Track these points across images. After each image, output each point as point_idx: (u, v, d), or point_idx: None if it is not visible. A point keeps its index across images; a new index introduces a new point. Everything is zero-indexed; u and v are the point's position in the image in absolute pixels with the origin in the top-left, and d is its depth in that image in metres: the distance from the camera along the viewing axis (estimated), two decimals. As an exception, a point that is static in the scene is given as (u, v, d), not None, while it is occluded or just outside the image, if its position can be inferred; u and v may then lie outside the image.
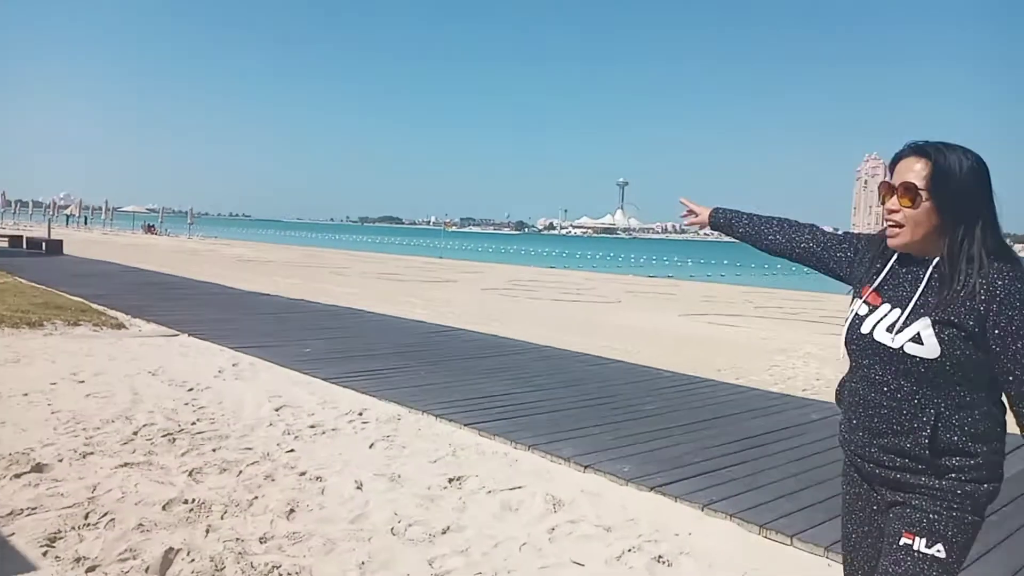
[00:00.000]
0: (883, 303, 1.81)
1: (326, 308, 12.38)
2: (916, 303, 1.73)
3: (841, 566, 2.08)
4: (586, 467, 4.53)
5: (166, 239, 53.95)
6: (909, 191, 1.71)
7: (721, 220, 2.30)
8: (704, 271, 45.59)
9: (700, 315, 17.00)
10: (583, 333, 12.04)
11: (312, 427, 5.27)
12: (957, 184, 1.68)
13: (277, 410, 5.65)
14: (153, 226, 68.02)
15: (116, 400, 5.62)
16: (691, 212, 2.40)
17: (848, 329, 1.87)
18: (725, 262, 62.10)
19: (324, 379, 6.63)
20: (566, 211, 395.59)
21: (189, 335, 8.74)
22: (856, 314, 1.85)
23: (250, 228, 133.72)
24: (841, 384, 2.01)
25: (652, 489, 4.19)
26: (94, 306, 10.70)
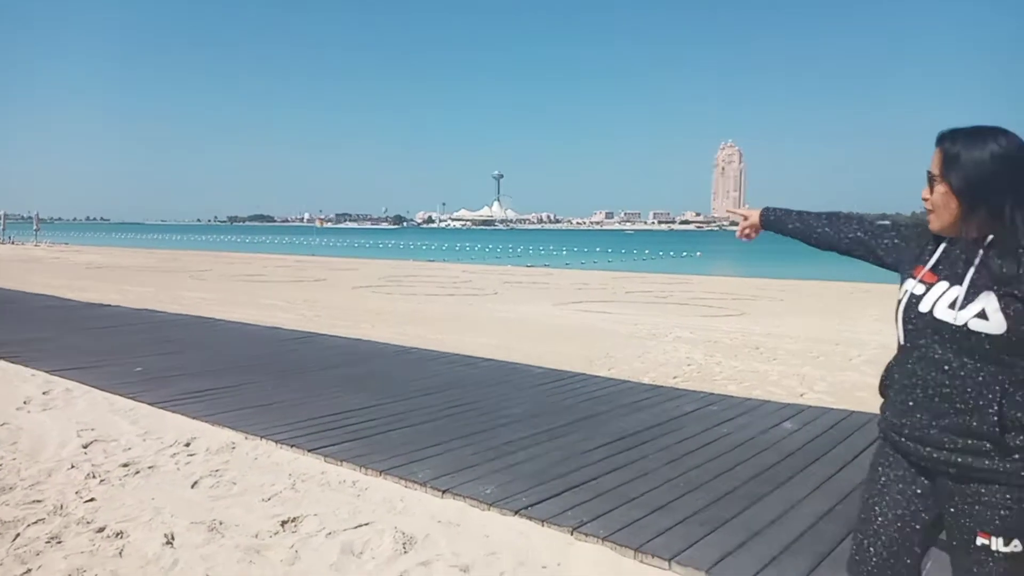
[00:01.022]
0: (939, 281, 1.81)
1: (173, 318, 11.30)
2: (972, 279, 1.73)
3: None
4: (444, 491, 4.01)
5: (7, 247, 49.39)
6: (928, 178, 1.79)
7: (772, 218, 2.34)
8: (578, 259, 46.20)
9: (574, 303, 16.86)
10: (456, 330, 11.54)
11: (125, 466, 4.50)
12: (971, 168, 1.71)
13: (86, 447, 4.83)
14: (-9, 234, 62.28)
15: None
16: (743, 218, 2.44)
17: (904, 309, 1.86)
18: (597, 249, 63.51)
19: (151, 404, 5.81)
20: (444, 204, 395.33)
21: (0, 358, 7.61)
22: (911, 294, 1.85)
23: (108, 232, 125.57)
24: (888, 369, 1.98)
25: (516, 513, 3.72)
26: None
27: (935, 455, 1.79)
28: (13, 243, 56.14)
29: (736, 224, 2.48)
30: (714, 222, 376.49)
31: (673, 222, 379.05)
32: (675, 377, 8.01)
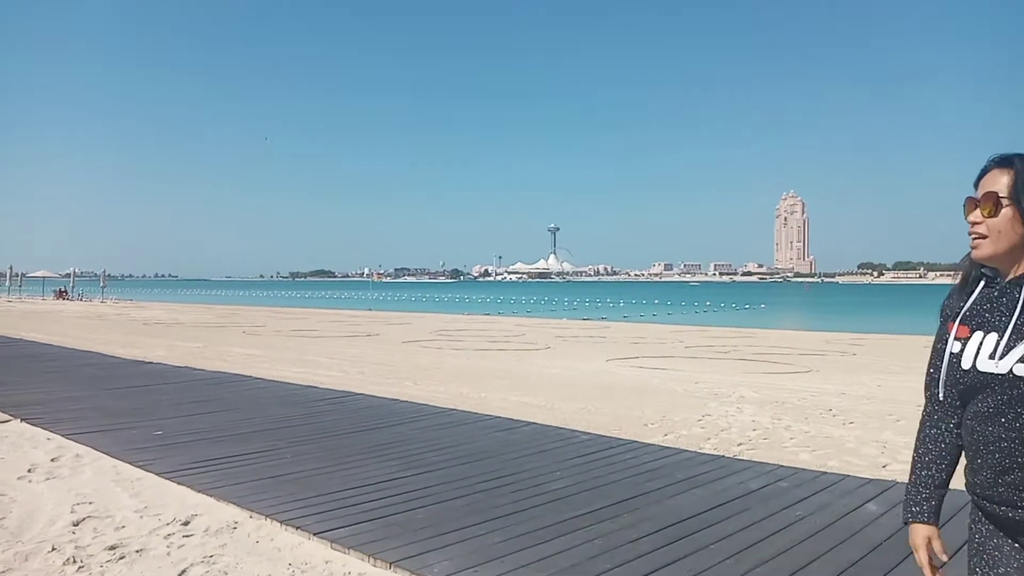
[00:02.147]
0: (974, 332, 1.71)
1: (210, 376, 10.99)
2: (1016, 324, 1.63)
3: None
4: (460, 592, 3.39)
5: (76, 304, 51.00)
6: (990, 199, 1.68)
7: (935, 506, 1.86)
8: (637, 311, 45.27)
9: (629, 359, 16.10)
10: (502, 388, 10.94)
11: (112, 548, 4.00)
12: None
13: (76, 525, 4.36)
14: (64, 290, 64.51)
15: None
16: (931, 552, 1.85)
17: (947, 372, 1.77)
18: (656, 301, 62.34)
19: (159, 473, 5.34)
20: (500, 257, 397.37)
21: (23, 420, 7.31)
22: (951, 354, 1.75)
23: (174, 289, 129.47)
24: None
25: (545, 623, 3.07)
26: (-77, 389, 9.14)
27: (1010, 514, 1.66)
28: (82, 300, 58.06)
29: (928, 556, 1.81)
30: (777, 273, 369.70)
31: (735, 273, 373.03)
32: (739, 444, 7.24)
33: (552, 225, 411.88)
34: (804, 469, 5.76)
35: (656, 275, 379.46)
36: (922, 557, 1.82)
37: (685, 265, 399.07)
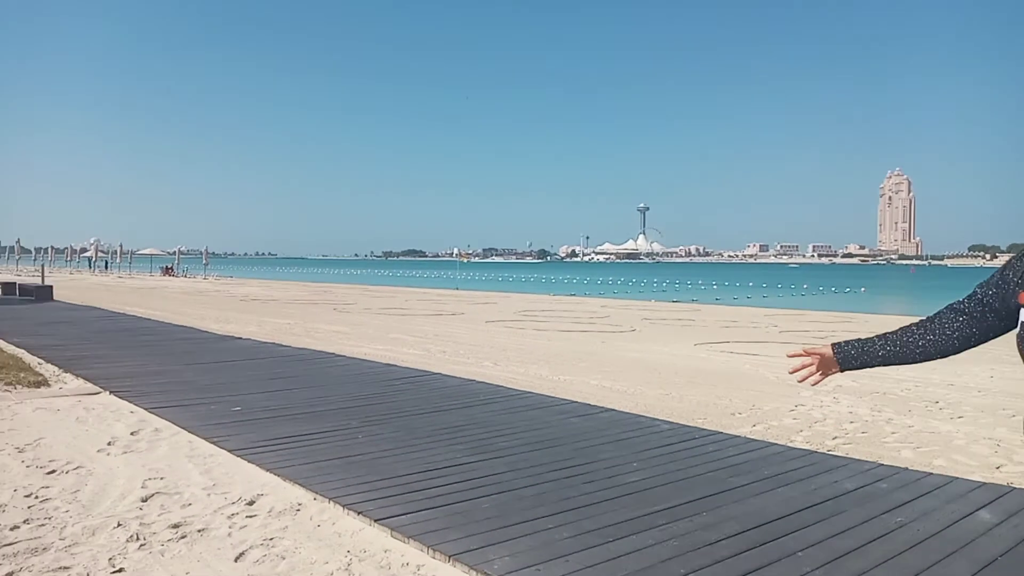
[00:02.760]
0: None
1: (295, 352, 11.14)
2: None
3: None
4: (520, 591, 3.17)
5: (180, 280, 53.48)
6: None
7: (852, 352, 2.11)
8: (730, 294, 43.97)
9: (719, 343, 15.52)
10: (582, 371, 10.67)
11: (175, 527, 3.97)
12: None
13: (145, 500, 4.36)
14: (170, 268, 67.77)
15: (-65, 494, 4.37)
16: (812, 362, 2.18)
17: (1020, 342, 1.76)
18: (750, 283, 60.43)
19: (231, 451, 5.34)
20: (588, 238, 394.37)
21: (111, 392, 7.53)
22: (1021, 323, 1.75)
23: (272, 267, 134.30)
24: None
25: (609, 633, 2.82)
26: (28, 360, 9.59)
27: None
28: (186, 276, 60.83)
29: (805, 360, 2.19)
30: (881, 255, 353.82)
31: (835, 255, 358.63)
32: (834, 438, 6.75)
33: (641, 205, 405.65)
34: (906, 469, 5.28)
35: (751, 256, 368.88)
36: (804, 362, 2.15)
37: (781, 246, 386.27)
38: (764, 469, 5.04)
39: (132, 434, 5.86)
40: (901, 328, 2.05)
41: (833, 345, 2.14)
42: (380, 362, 10.18)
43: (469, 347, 13.44)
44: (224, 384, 8.09)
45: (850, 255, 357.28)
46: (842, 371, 2.16)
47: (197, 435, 5.78)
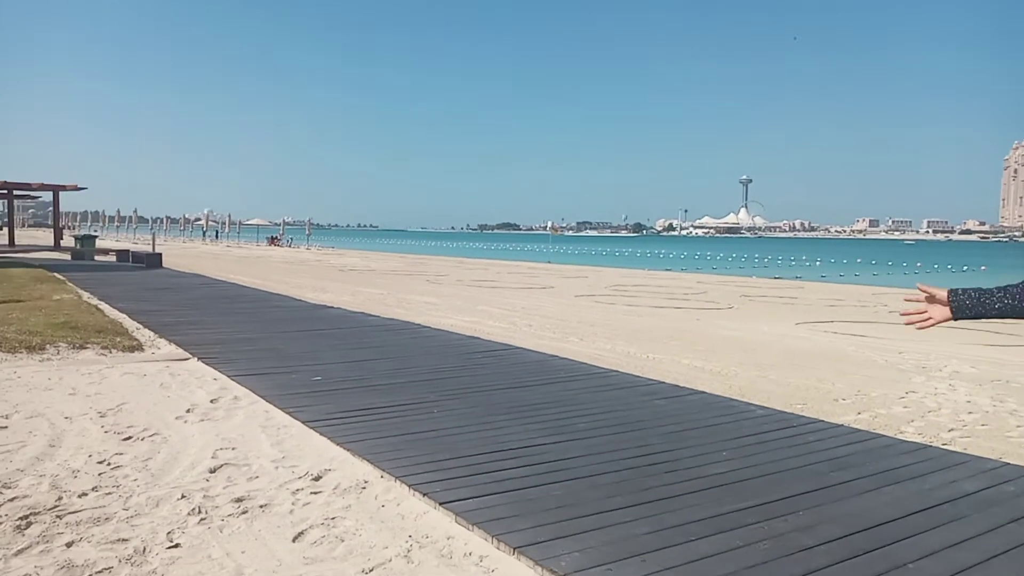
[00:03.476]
0: None
1: (383, 322, 11.13)
2: None
3: None
4: (589, 593, 2.88)
5: (284, 250, 55.33)
6: None
7: (967, 302, 2.04)
8: (836, 271, 42.01)
9: (822, 323, 14.68)
10: (673, 349, 10.22)
11: (239, 501, 3.87)
12: None
13: (213, 471, 4.30)
14: (276, 238, 70.27)
15: (15, 457, 4.43)
16: (925, 308, 2.13)
17: None
18: (859, 260, 57.57)
19: (305, 422, 5.25)
20: (686, 211, 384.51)
21: (200, 359, 7.64)
22: None
23: (373, 238, 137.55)
24: None
25: (685, 650, 2.49)
26: (127, 324, 9.91)
27: None
28: (291, 246, 62.90)
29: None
30: (1003, 232, 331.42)
31: (952, 231, 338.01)
32: (951, 431, 6.13)
33: (744, 176, 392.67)
34: (1038, 470, 4.68)
35: (860, 232, 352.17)
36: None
37: (893, 222, 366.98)
38: (870, 464, 4.55)
39: (212, 402, 5.87)
40: (1020, 283, 1.99)
41: (949, 290, 2.08)
42: (465, 334, 10.03)
43: (556, 321, 13.15)
44: (309, 353, 8.10)
45: (969, 231, 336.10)
46: (955, 319, 2.08)
47: (274, 404, 5.73)
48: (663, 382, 7.04)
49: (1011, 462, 4.87)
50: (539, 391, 6.38)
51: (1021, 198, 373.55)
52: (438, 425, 5.18)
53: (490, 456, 4.49)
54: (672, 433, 5.12)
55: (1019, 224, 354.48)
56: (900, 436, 5.78)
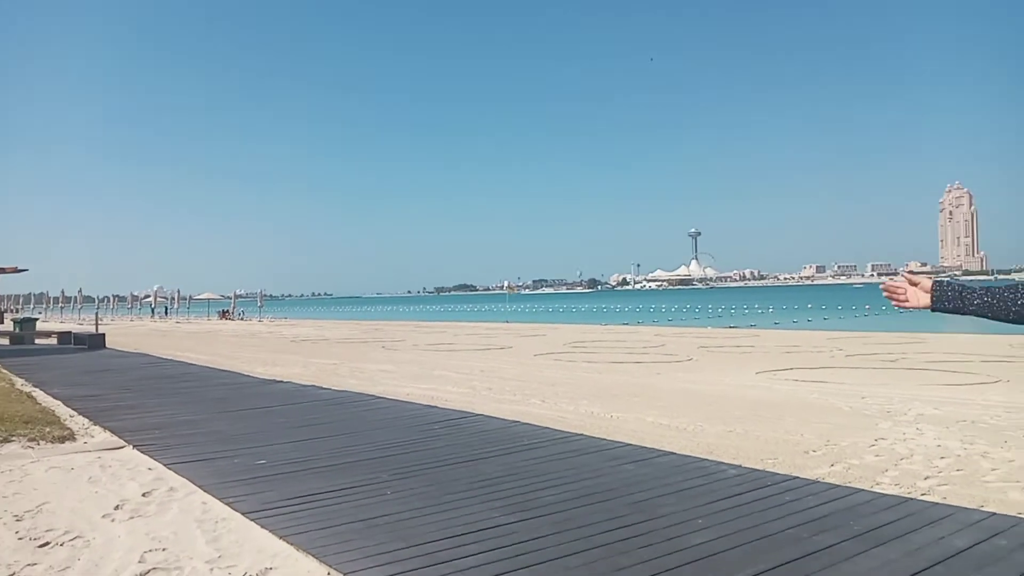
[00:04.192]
0: None
1: (333, 395, 10.66)
2: None
3: None
4: None
5: (235, 324, 54.19)
6: None
7: (950, 293, 2.13)
8: (789, 317, 42.53)
9: (782, 370, 14.61)
10: (636, 406, 9.95)
11: (166, 613, 3.42)
12: None
13: (139, 578, 3.84)
14: (227, 311, 68.88)
15: (-91, 577, 3.92)
16: (904, 287, 2.25)
17: None
18: (809, 306, 58.50)
19: (246, 513, 4.80)
20: (639, 265, 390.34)
21: (135, 446, 7.11)
22: None
23: (328, 306, 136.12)
24: None
25: None
26: (60, 411, 9.31)
27: None
28: (243, 319, 61.67)
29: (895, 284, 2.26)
30: (944, 272, 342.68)
31: (895, 274, 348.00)
32: (927, 478, 5.93)
33: (692, 229, 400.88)
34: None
35: (808, 278, 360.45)
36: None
37: (839, 267, 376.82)
38: (853, 523, 4.28)
39: (144, 495, 5.38)
40: (1008, 285, 2.08)
41: (934, 280, 2.20)
42: (420, 403, 9.63)
43: (516, 383, 12.82)
44: (254, 433, 7.62)
45: (912, 272, 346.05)
46: (933, 309, 2.16)
47: (213, 494, 5.27)
48: (630, 444, 6.74)
49: (996, 511, 4.66)
50: (500, 462, 6.02)
51: (958, 238, 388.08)
52: (391, 508, 4.78)
53: (449, 542, 4.11)
54: (643, 501, 4.80)
55: (958, 264, 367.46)
56: (877, 488, 5.56)
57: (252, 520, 4.67)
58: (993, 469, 6.27)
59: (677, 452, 6.37)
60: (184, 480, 5.73)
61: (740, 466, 5.84)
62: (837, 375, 13.67)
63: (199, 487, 5.50)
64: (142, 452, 6.85)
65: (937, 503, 4.82)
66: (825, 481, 5.44)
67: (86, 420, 8.75)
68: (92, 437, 7.81)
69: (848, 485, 5.34)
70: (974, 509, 4.66)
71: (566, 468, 5.74)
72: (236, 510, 4.89)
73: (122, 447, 7.16)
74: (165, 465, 6.24)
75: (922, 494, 5.42)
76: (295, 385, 12.09)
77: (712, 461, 6.00)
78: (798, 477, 5.48)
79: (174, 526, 4.68)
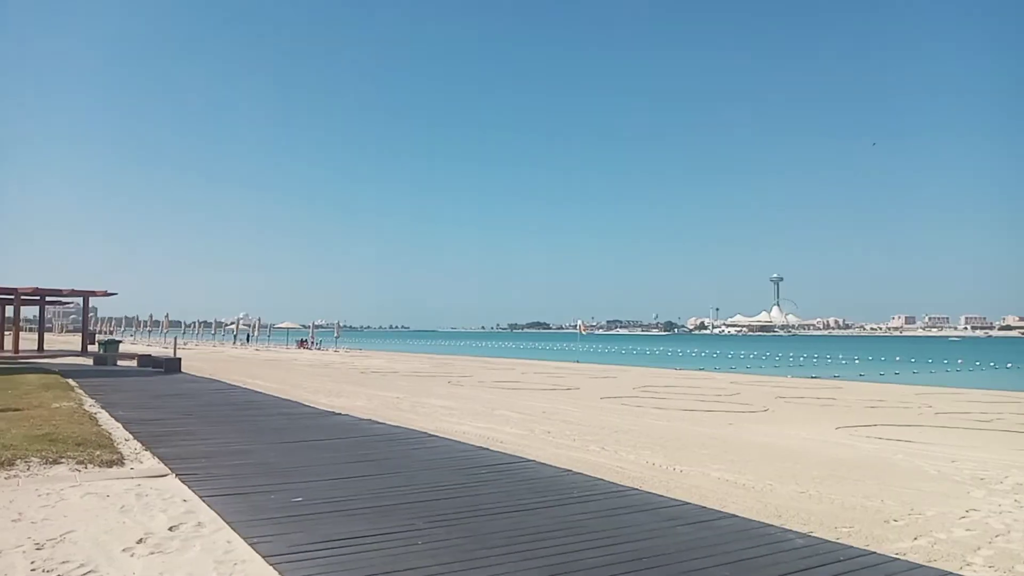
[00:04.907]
0: None
1: (387, 431, 10.42)
2: None
3: None
4: None
5: (310, 353, 55.15)
6: None
7: None
8: (875, 369, 40.54)
9: (865, 427, 13.66)
10: (703, 459, 9.35)
11: (157, 668, 3.15)
12: None
13: (140, 624, 3.59)
14: (305, 340, 70.34)
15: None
16: None
17: None
18: (897, 359, 55.77)
19: (267, 556, 4.53)
20: (718, 310, 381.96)
21: (178, 475, 6.99)
22: None
23: (403, 339, 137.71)
24: None
25: None
26: (117, 434, 9.35)
27: None
28: (320, 349, 62.81)
29: None
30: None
31: (991, 327, 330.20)
32: (1028, 561, 5.22)
33: (775, 275, 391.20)
34: None
35: (896, 329, 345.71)
36: None
37: (930, 318, 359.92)
38: (940, 615, 3.71)
39: (170, 529, 5.19)
40: None
41: None
42: (473, 445, 9.28)
43: (577, 427, 12.34)
44: (300, 467, 7.42)
45: (1009, 327, 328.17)
46: None
47: (239, 532, 5.03)
48: (688, 503, 6.22)
49: (1113, 610, 3.98)
50: (545, 515, 5.60)
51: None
52: (419, 561, 4.43)
53: (473, 605, 3.73)
54: (696, 571, 4.31)
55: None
56: (968, 570, 4.91)
57: (272, 564, 4.39)
58: (1107, 554, 5.50)
59: (741, 515, 5.82)
60: (215, 515, 5.53)
61: (810, 535, 5.27)
62: (925, 434, 12.67)
63: (228, 523, 5.29)
64: (183, 481, 6.72)
65: (1041, 596, 4.16)
66: (906, 560, 4.81)
67: (139, 445, 8.74)
68: (141, 463, 7.75)
69: (933, 566, 4.71)
70: (1087, 607, 4.00)
71: (616, 527, 5.28)
72: (259, 552, 4.62)
73: (165, 475, 7.05)
74: (201, 497, 6.07)
75: (1023, 581, 4.76)
76: (353, 418, 11.93)
77: (779, 528, 5.44)
78: (875, 553, 4.87)
79: (191, 566, 4.45)
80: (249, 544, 4.79)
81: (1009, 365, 50.27)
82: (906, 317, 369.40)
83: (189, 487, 6.47)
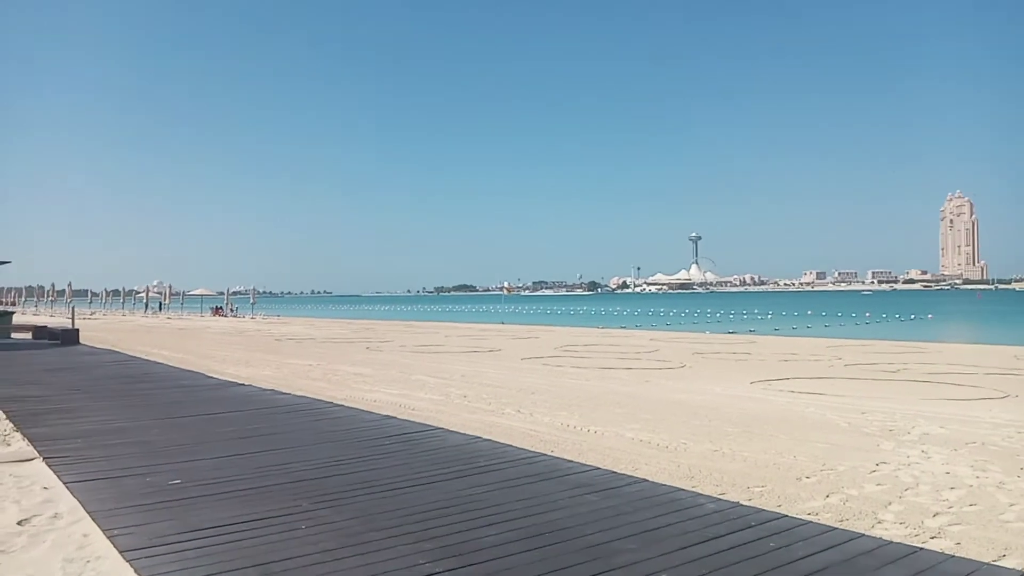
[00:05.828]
0: None
1: (289, 401, 9.85)
2: None
3: None
4: None
5: (226, 321, 53.36)
6: None
7: None
8: (788, 324, 41.74)
9: (778, 380, 13.82)
10: (618, 418, 9.17)
11: None
12: None
13: (-47, 644, 3.06)
14: (220, 308, 68.15)
15: None
16: None
17: None
18: (809, 312, 57.70)
19: (125, 551, 4.00)
20: (639, 269, 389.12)
21: (46, 458, 6.32)
22: None
23: (324, 304, 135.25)
24: None
25: None
26: (-13, 416, 8.52)
27: None
28: (235, 316, 60.87)
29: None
30: (944, 280, 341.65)
31: (895, 281, 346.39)
32: (935, 515, 5.15)
33: (693, 234, 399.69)
34: (1061, 578, 3.67)
35: (808, 285, 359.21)
36: None
37: (840, 274, 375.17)
38: (853, 581, 3.50)
39: (19, 523, 4.60)
40: None
41: None
42: (380, 413, 8.82)
43: (495, 390, 12.03)
44: (186, 445, 6.83)
45: (912, 281, 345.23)
46: None
47: (99, 524, 4.48)
48: (599, 468, 5.94)
49: (1021, 565, 3.87)
50: (446, 489, 5.22)
51: (958, 247, 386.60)
52: (299, 550, 3.99)
53: (352, 599, 3.32)
54: (599, 545, 4.01)
55: (958, 272, 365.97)
56: (879, 527, 4.79)
57: (129, 561, 3.87)
58: (1012, 504, 5.49)
59: (650, 479, 5.56)
60: (77, 503, 4.95)
61: (721, 499, 5.05)
62: (836, 386, 12.88)
63: (89, 513, 4.72)
64: (50, 466, 6.07)
65: (952, 556, 4.02)
66: (819, 522, 4.64)
67: (10, 425, 7.98)
68: (7, 446, 7.03)
69: (845, 528, 4.54)
70: (1001, 567, 3.87)
71: (519, 498, 4.95)
72: (116, 546, 4.09)
73: (31, 459, 6.38)
74: (65, 484, 5.46)
75: (932, 537, 4.65)
76: (255, 389, 11.29)
77: (689, 492, 5.20)
78: (787, 516, 4.68)
79: (35, 566, 3.90)
80: (108, 537, 4.25)
81: (912, 316, 52.66)
82: (817, 273, 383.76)
83: (55, 472, 5.83)
